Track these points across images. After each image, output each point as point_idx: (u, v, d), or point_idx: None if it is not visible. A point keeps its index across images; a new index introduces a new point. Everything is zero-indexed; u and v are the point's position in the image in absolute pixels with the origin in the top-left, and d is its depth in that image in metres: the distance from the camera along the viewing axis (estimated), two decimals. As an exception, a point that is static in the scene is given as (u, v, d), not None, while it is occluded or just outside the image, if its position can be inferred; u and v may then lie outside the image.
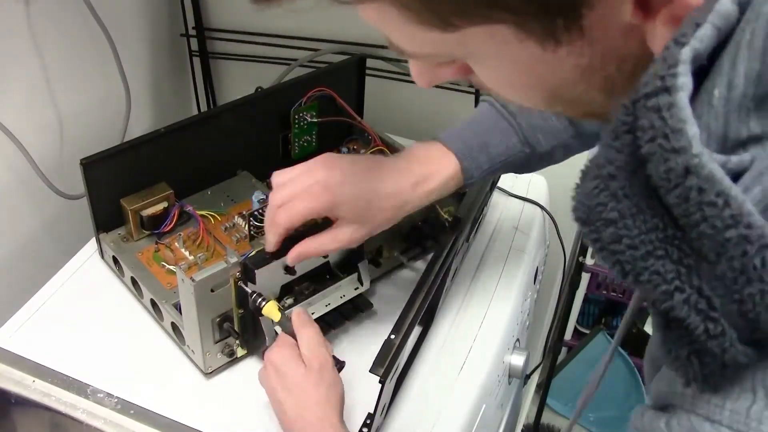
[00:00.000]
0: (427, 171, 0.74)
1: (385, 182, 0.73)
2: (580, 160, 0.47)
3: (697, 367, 0.36)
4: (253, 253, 0.78)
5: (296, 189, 0.73)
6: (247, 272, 0.76)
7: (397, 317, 0.76)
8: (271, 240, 0.75)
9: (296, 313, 0.76)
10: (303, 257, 0.76)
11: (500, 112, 0.78)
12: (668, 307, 0.35)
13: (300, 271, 0.81)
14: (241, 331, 0.80)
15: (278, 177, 0.75)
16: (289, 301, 0.81)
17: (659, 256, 0.34)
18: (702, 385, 0.37)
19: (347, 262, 0.85)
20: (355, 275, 0.85)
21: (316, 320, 0.83)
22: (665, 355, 0.38)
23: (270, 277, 0.78)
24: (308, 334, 0.73)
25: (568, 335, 1.66)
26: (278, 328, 0.79)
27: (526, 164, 0.80)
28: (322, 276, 0.84)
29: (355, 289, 0.86)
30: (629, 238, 0.35)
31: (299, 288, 0.82)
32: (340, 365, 0.74)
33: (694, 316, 0.34)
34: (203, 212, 0.94)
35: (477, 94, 1.20)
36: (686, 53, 0.32)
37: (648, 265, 0.35)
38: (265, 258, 0.76)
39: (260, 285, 0.77)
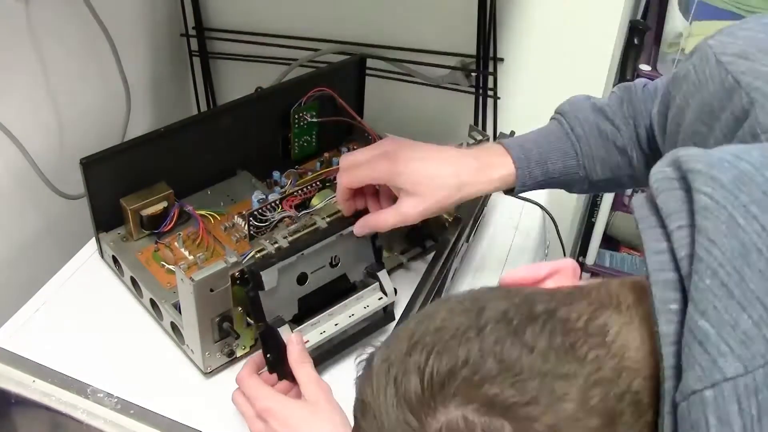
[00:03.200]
0: (491, 161, 0.75)
1: (449, 162, 0.75)
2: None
3: None
4: (252, 254, 0.77)
5: (362, 157, 0.76)
6: (254, 277, 0.75)
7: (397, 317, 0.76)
8: (340, 202, 0.80)
9: (294, 342, 0.75)
10: (367, 229, 0.78)
11: (567, 134, 0.77)
12: None
13: (315, 283, 0.80)
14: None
15: (348, 154, 0.79)
16: (307, 316, 0.79)
17: None
18: None
19: (366, 272, 0.84)
20: (375, 285, 0.84)
21: (338, 336, 0.82)
22: None
23: (282, 290, 0.77)
24: (306, 370, 0.73)
25: (568, 335, 1.66)
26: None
27: (576, 186, 0.79)
28: (339, 288, 0.83)
29: (379, 299, 0.84)
30: None
31: (317, 302, 0.81)
32: None
33: None
34: (203, 212, 0.94)
35: (477, 94, 1.20)
36: None
37: None
38: (270, 261, 0.76)
39: (276, 297, 0.76)
